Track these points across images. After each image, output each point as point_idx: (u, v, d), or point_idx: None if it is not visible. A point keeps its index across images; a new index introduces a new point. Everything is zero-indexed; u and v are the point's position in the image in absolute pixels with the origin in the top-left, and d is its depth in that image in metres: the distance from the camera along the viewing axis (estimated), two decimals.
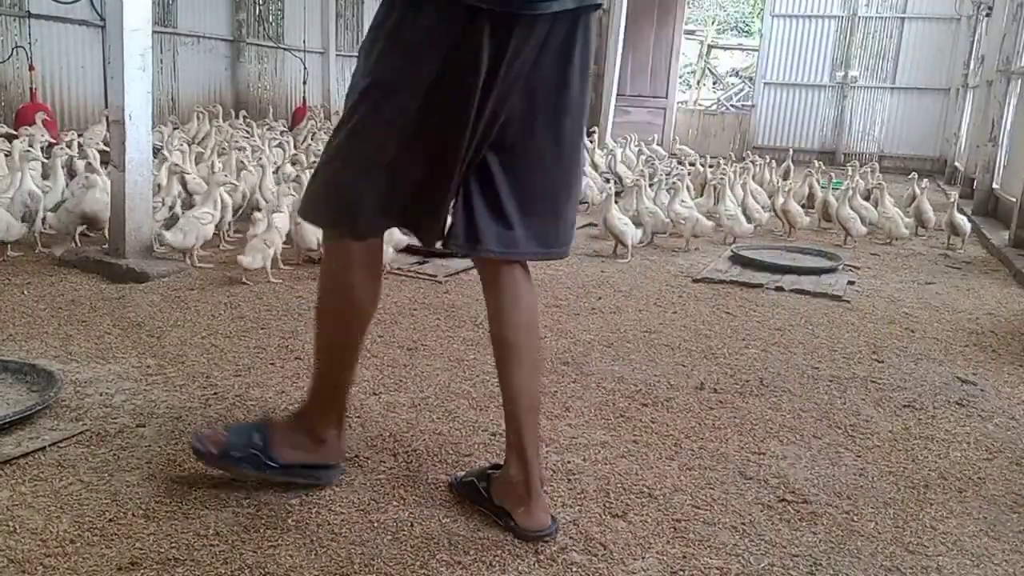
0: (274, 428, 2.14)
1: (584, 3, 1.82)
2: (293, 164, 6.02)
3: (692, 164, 8.75)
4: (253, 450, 2.08)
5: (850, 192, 6.56)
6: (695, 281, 4.89)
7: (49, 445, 2.26)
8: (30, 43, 8.67)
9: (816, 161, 9.34)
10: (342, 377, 2.12)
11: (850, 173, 7.90)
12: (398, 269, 4.67)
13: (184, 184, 5.17)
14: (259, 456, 2.08)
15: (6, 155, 4.95)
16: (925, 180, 7.05)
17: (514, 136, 1.88)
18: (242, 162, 5.46)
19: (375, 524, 1.99)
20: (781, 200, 6.55)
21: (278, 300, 3.92)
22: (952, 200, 6.71)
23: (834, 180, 7.91)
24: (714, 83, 22.83)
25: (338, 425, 2.15)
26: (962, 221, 6.56)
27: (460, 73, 1.77)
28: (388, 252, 4.31)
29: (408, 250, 5.00)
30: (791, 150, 9.78)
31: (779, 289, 4.75)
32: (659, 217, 5.93)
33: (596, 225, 5.80)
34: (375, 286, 2.06)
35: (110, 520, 1.93)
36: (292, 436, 2.12)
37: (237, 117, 9.17)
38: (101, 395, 2.63)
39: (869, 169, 8.32)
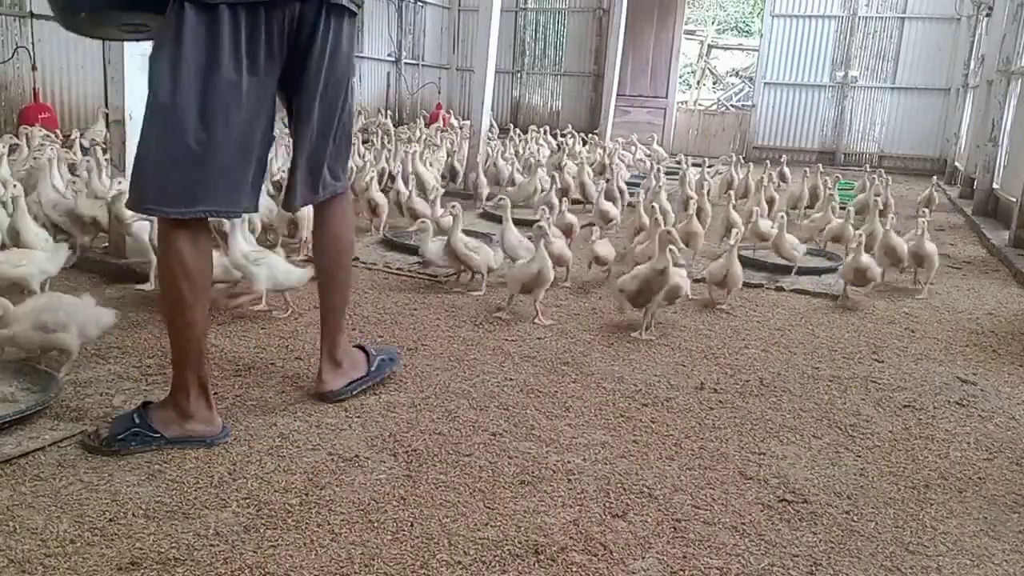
0: (148, 409, 2.34)
1: None
2: None
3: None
4: (134, 429, 2.27)
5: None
6: (695, 281, 4.88)
7: (49, 445, 2.27)
8: (32, 43, 8.68)
9: (819, 164, 9.29)
10: (189, 347, 2.30)
11: (867, 185, 7.63)
12: (398, 269, 4.67)
13: None
14: (142, 432, 2.28)
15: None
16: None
17: None
18: None
19: (375, 524, 1.99)
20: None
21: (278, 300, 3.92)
22: (922, 225, 4.73)
23: (840, 180, 7.75)
24: (714, 83, 22.84)
25: (202, 394, 2.35)
26: (931, 251, 4.73)
27: None
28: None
29: (408, 250, 5.01)
30: (784, 156, 9.73)
31: (779, 289, 4.75)
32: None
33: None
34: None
35: (110, 520, 1.93)
36: (162, 413, 2.33)
37: None
38: (101, 395, 2.63)
39: (877, 177, 8.02)
